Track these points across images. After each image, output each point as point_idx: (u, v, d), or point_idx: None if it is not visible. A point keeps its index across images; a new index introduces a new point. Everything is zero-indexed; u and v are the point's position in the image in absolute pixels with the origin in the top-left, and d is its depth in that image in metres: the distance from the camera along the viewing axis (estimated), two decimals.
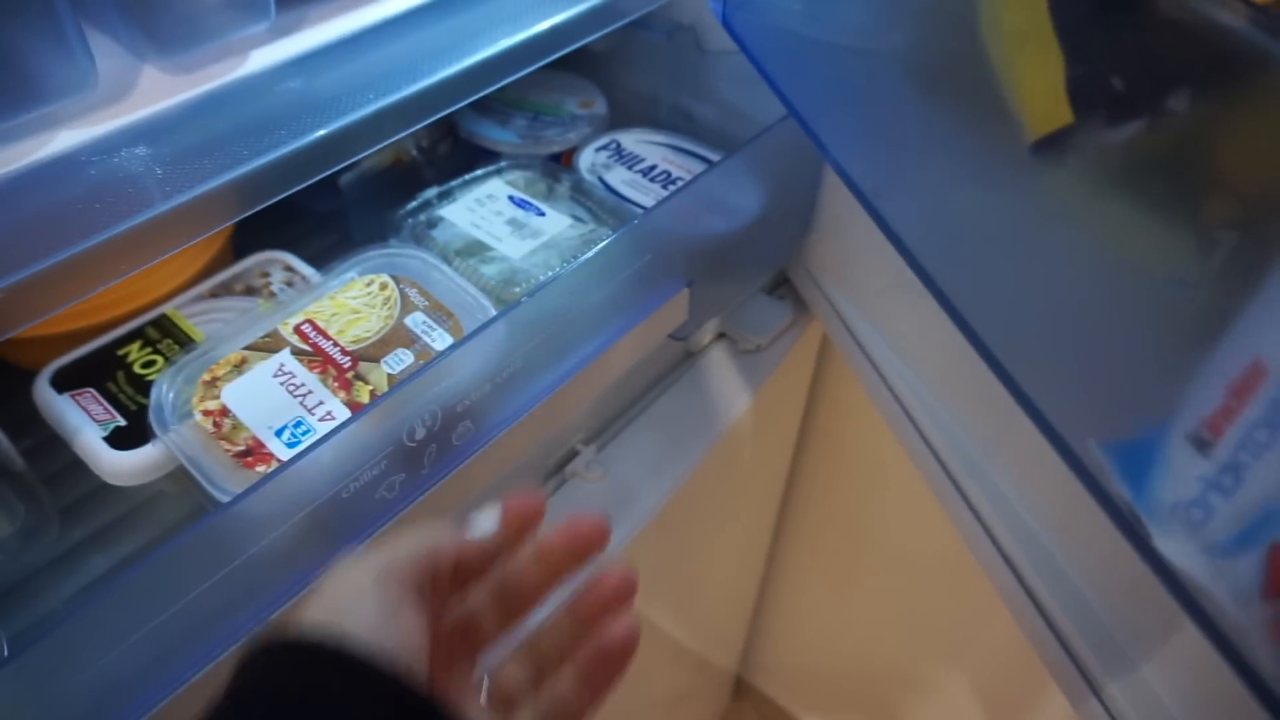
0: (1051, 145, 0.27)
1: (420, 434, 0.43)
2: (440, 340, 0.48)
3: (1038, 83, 0.27)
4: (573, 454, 0.65)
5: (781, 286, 0.78)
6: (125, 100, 0.43)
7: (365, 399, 0.45)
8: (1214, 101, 0.24)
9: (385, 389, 0.46)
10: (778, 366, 0.75)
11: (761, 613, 1.29)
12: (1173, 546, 0.24)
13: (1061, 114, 0.27)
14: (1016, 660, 0.90)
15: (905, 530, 0.97)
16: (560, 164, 0.67)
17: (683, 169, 0.66)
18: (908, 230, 0.33)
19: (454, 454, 0.46)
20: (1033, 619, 0.55)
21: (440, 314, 0.50)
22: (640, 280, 0.54)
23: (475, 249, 0.56)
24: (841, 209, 0.67)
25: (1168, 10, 0.23)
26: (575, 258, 0.53)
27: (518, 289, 0.54)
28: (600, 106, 0.71)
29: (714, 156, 0.67)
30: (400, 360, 0.47)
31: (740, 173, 0.60)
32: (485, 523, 0.32)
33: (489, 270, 0.55)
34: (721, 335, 0.75)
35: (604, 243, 0.48)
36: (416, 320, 0.49)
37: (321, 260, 0.58)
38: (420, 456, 0.44)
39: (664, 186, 0.64)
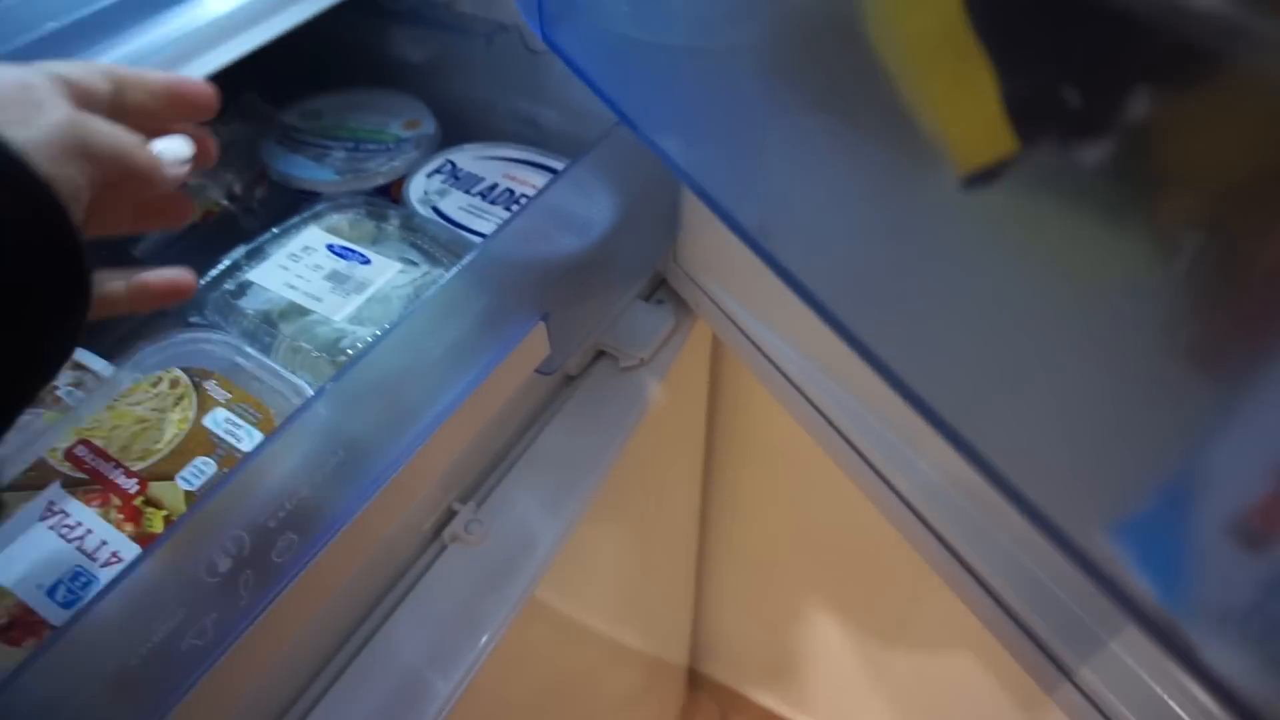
0: (991, 177, 0.21)
1: (224, 565, 0.36)
2: (249, 440, 0.41)
3: (962, 103, 0.21)
4: (450, 515, 0.59)
5: (659, 289, 0.73)
6: None
7: (159, 527, 0.38)
8: (1174, 95, 0.18)
9: (181, 511, 0.38)
10: (666, 376, 0.69)
11: (703, 603, 1.28)
12: (1229, 660, 0.19)
13: (1002, 141, 0.20)
14: (954, 618, 0.89)
15: (824, 504, 0.95)
16: (389, 197, 0.60)
17: (527, 184, 0.60)
18: (812, 278, 0.27)
19: (279, 573, 0.39)
20: (979, 597, 0.52)
21: (247, 408, 0.42)
22: (486, 322, 0.48)
23: (293, 314, 0.49)
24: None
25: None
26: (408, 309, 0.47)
27: (343, 358, 0.47)
28: (428, 125, 0.63)
29: (559, 165, 0.61)
30: (200, 473, 0.40)
31: (588, 181, 0.54)
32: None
33: (313, 339, 0.47)
34: (601, 353, 0.69)
35: (433, 289, 0.41)
36: (218, 420, 0.42)
37: (120, 351, 0.50)
38: (233, 589, 0.37)
39: (507, 208, 0.57)
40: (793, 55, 0.31)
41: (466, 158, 0.62)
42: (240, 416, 0.42)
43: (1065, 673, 0.45)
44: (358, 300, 0.49)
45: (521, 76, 0.63)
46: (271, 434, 0.39)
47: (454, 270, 0.44)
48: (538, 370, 0.56)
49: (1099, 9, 0.17)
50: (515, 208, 0.57)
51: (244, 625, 0.38)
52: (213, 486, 0.38)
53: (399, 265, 0.51)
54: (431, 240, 0.54)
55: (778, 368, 0.63)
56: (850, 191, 0.27)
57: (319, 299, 0.49)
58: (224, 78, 0.48)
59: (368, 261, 0.52)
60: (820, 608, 1.11)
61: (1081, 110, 0.18)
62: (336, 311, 0.49)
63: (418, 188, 0.58)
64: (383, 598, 0.55)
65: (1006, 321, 0.24)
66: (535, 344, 0.53)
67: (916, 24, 0.21)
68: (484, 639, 0.54)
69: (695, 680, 1.44)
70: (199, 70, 0.47)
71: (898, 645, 1.04)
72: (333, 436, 0.40)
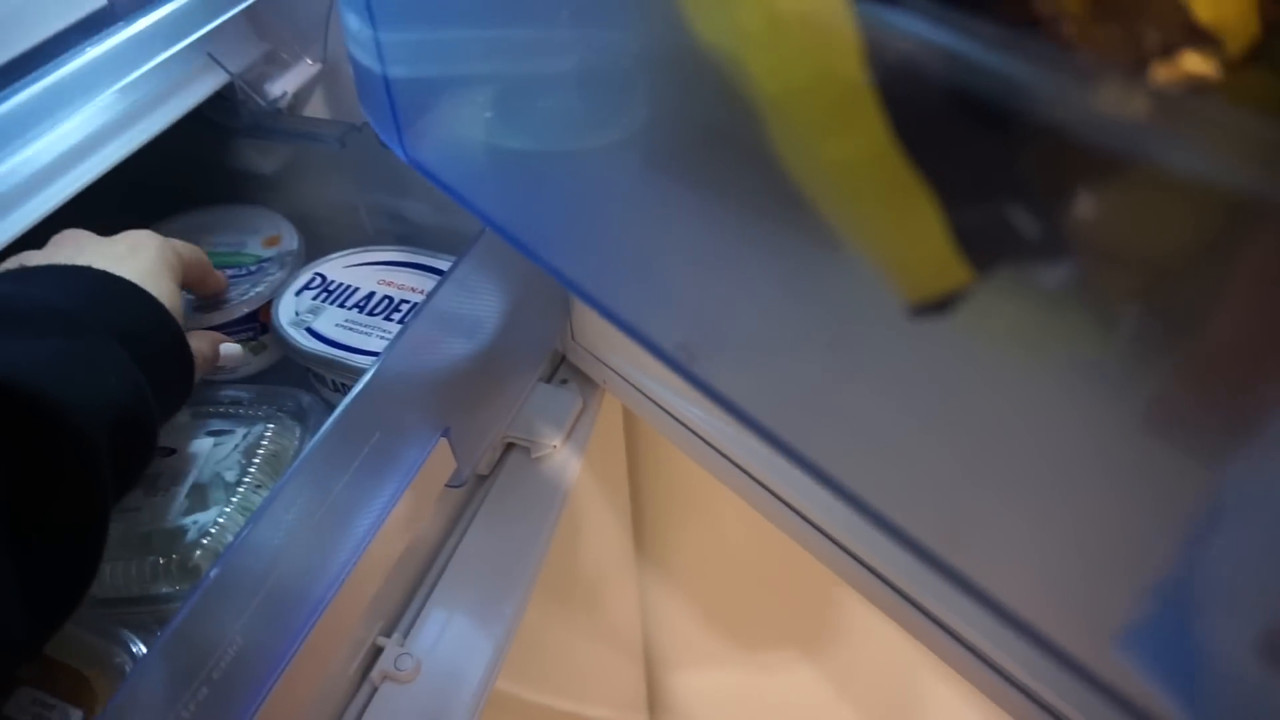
0: (943, 307, 0.19)
1: None
2: None
3: (903, 234, 0.19)
4: (377, 651, 0.54)
5: (560, 368, 0.70)
6: None
7: None
8: (1102, 191, 0.17)
9: None
10: (584, 454, 0.67)
11: (654, 663, 1.25)
12: None
13: (953, 273, 0.18)
14: (889, 641, 0.90)
15: (760, 550, 0.95)
16: (258, 323, 0.56)
17: (406, 288, 0.56)
18: (751, 401, 0.25)
19: None
20: (936, 637, 0.51)
21: (59, 680, 0.36)
22: (379, 456, 0.44)
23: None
24: None
25: (1041, 114, 0.15)
26: (256, 480, 0.43)
27: (198, 551, 0.42)
28: (290, 239, 0.59)
29: (436, 262, 0.58)
30: None
31: (472, 279, 0.51)
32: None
33: (142, 556, 0.43)
34: (510, 445, 0.66)
35: (299, 460, 0.37)
36: (22, 704, 0.35)
37: None
38: None
39: (387, 318, 0.54)
40: (684, 151, 0.29)
41: (336, 267, 0.58)
42: (52, 693, 0.36)
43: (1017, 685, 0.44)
44: (180, 491, 0.45)
45: (381, 173, 0.60)
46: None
47: (341, 405, 0.41)
48: (447, 485, 0.52)
49: (1031, 126, 0.16)
50: (395, 316, 0.54)
51: None
52: None
53: (209, 440, 0.47)
54: (311, 362, 0.50)
55: (693, 431, 0.62)
56: (775, 294, 0.26)
57: (136, 509, 0.45)
58: (62, 217, 0.44)
59: (172, 452, 0.47)
60: (765, 639, 1.11)
61: (1038, 233, 0.17)
62: (162, 513, 0.44)
63: (287, 309, 0.54)
64: None
65: (964, 423, 0.22)
66: (440, 461, 0.50)
67: (839, 152, 0.19)
68: None
69: None
70: (36, 211, 0.43)
71: (844, 658, 1.04)
72: (230, 620, 0.36)
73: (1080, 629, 0.20)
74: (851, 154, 0.19)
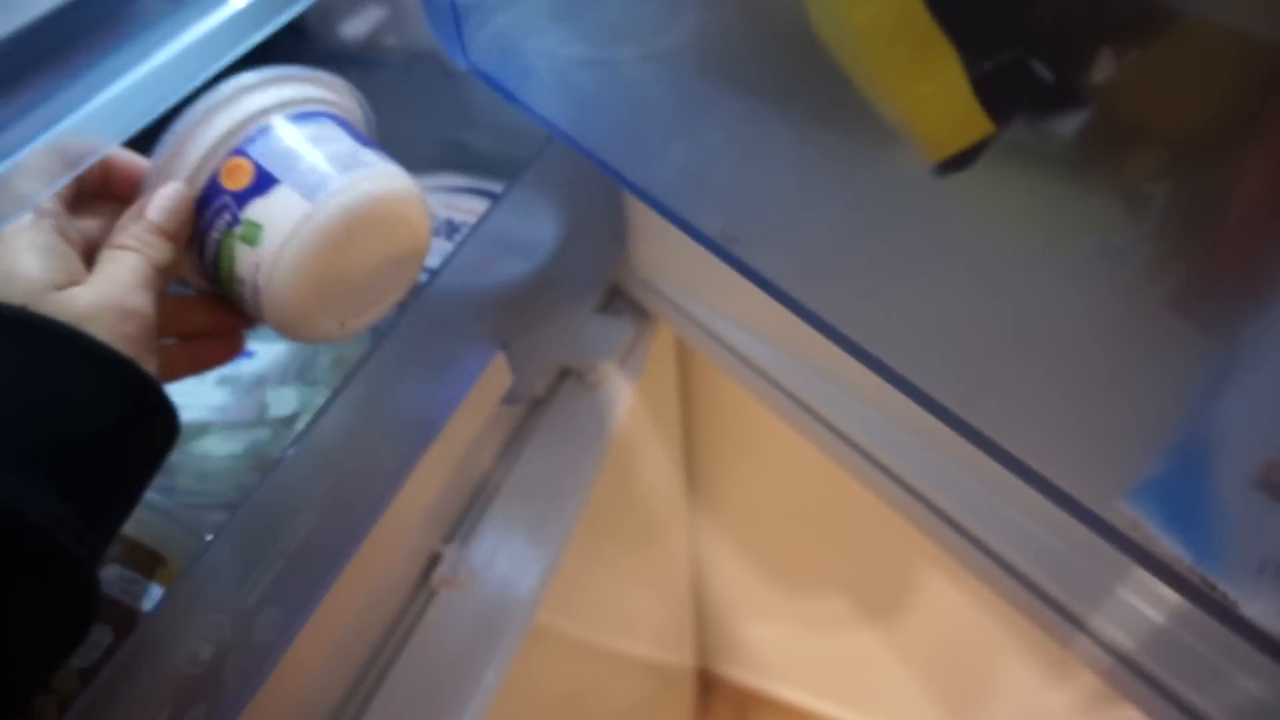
0: (966, 161, 0.20)
1: (206, 653, 0.34)
2: (149, 597, 0.38)
3: (927, 90, 0.20)
4: (435, 559, 0.57)
5: (615, 300, 0.72)
6: None
7: (54, 718, 0.34)
8: (1134, 54, 0.17)
9: (77, 693, 0.35)
10: (636, 385, 0.68)
11: (706, 602, 1.27)
12: (1268, 610, 0.18)
13: (975, 125, 0.19)
14: (962, 580, 0.90)
15: (813, 486, 0.95)
16: None
17: (466, 211, 0.58)
18: (786, 278, 0.26)
19: (265, 652, 0.38)
20: (984, 564, 0.51)
21: (141, 560, 0.39)
22: (441, 363, 0.46)
23: (193, 434, 0.47)
24: None
25: None
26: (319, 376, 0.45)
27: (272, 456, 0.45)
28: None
29: (497, 187, 0.59)
30: (96, 644, 0.36)
31: (528, 201, 0.52)
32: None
33: (219, 451, 0.46)
34: (566, 371, 0.68)
35: (373, 348, 0.40)
36: (111, 578, 0.38)
37: None
38: (218, 675, 0.35)
39: (448, 238, 0.56)
40: (729, 54, 0.30)
41: None
42: (137, 570, 0.39)
43: (1078, 624, 0.45)
44: (262, 393, 0.48)
45: (445, 102, 0.62)
46: (236, 509, 0.37)
47: (405, 310, 0.43)
48: (504, 400, 0.54)
49: None
50: (456, 237, 0.56)
51: (235, 710, 0.37)
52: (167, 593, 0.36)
53: (282, 344, 0.50)
54: None
55: (747, 361, 0.63)
56: (810, 184, 0.27)
57: (222, 407, 0.47)
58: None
59: (252, 354, 0.50)
60: (825, 590, 1.11)
61: (1054, 83, 0.18)
62: (242, 418, 0.47)
63: None
64: (379, 653, 0.53)
65: (990, 296, 0.23)
66: (497, 375, 0.52)
67: (867, 13, 0.20)
68: (488, 678, 0.53)
69: (708, 681, 1.43)
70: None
71: (910, 614, 1.04)
72: (301, 503, 0.39)
73: (1092, 483, 0.21)
74: (878, 15, 0.20)
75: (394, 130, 0.66)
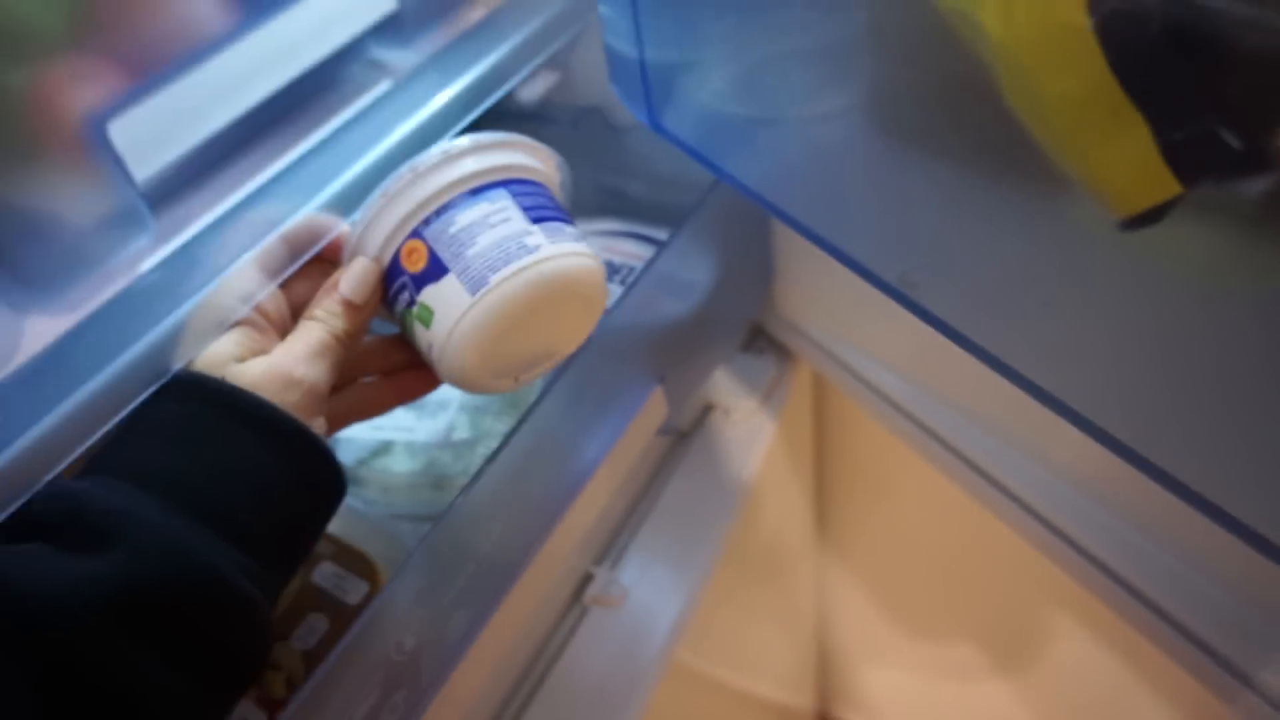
0: (1154, 218, 0.22)
1: (410, 643, 0.39)
2: (356, 592, 0.43)
3: (1116, 154, 0.22)
4: (587, 578, 0.61)
5: (758, 340, 0.74)
6: (11, 366, 0.38)
7: (281, 691, 0.39)
8: None
9: (300, 671, 0.40)
10: (777, 423, 0.71)
11: (828, 644, 1.26)
12: None
13: (1163, 186, 0.22)
14: (1101, 631, 0.87)
15: (943, 532, 0.94)
16: None
17: (626, 254, 0.63)
18: (965, 323, 0.28)
19: (454, 647, 0.42)
20: (1148, 620, 0.51)
21: (349, 559, 0.44)
22: (607, 395, 0.50)
23: (380, 452, 0.52)
24: (801, 248, 0.63)
25: (1250, 43, 0.18)
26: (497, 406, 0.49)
27: (448, 475, 0.50)
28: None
29: (652, 232, 0.63)
30: (312, 630, 0.41)
31: (690, 245, 0.56)
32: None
33: (402, 468, 0.50)
34: (709, 406, 0.71)
35: (554, 380, 0.44)
36: (325, 574, 0.43)
37: None
38: (416, 665, 0.39)
39: (609, 279, 0.60)
40: (905, 113, 0.33)
41: None
42: (346, 568, 0.44)
43: (1244, 679, 0.44)
44: (445, 417, 0.52)
45: (607, 153, 0.67)
46: (453, 501, 0.41)
47: (571, 359, 0.47)
48: (658, 432, 0.58)
49: (1241, 55, 0.18)
50: (617, 278, 0.60)
51: (428, 700, 0.41)
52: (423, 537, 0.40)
53: None
54: None
55: (889, 400, 0.64)
56: (988, 233, 0.29)
57: (408, 429, 0.52)
58: None
59: None
60: (950, 638, 1.09)
61: (1243, 149, 0.20)
62: (425, 433, 0.52)
63: None
64: (535, 661, 0.57)
65: (1170, 339, 0.25)
66: (655, 407, 0.55)
67: (1062, 86, 0.22)
68: (635, 700, 0.55)
69: None
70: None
71: (1039, 666, 1.01)
72: (490, 517, 0.43)
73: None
74: (1073, 88, 0.22)
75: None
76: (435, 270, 0.36)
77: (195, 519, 0.30)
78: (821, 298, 0.65)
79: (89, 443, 0.32)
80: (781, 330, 0.70)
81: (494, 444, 0.52)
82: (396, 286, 0.38)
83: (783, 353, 0.73)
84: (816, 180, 0.35)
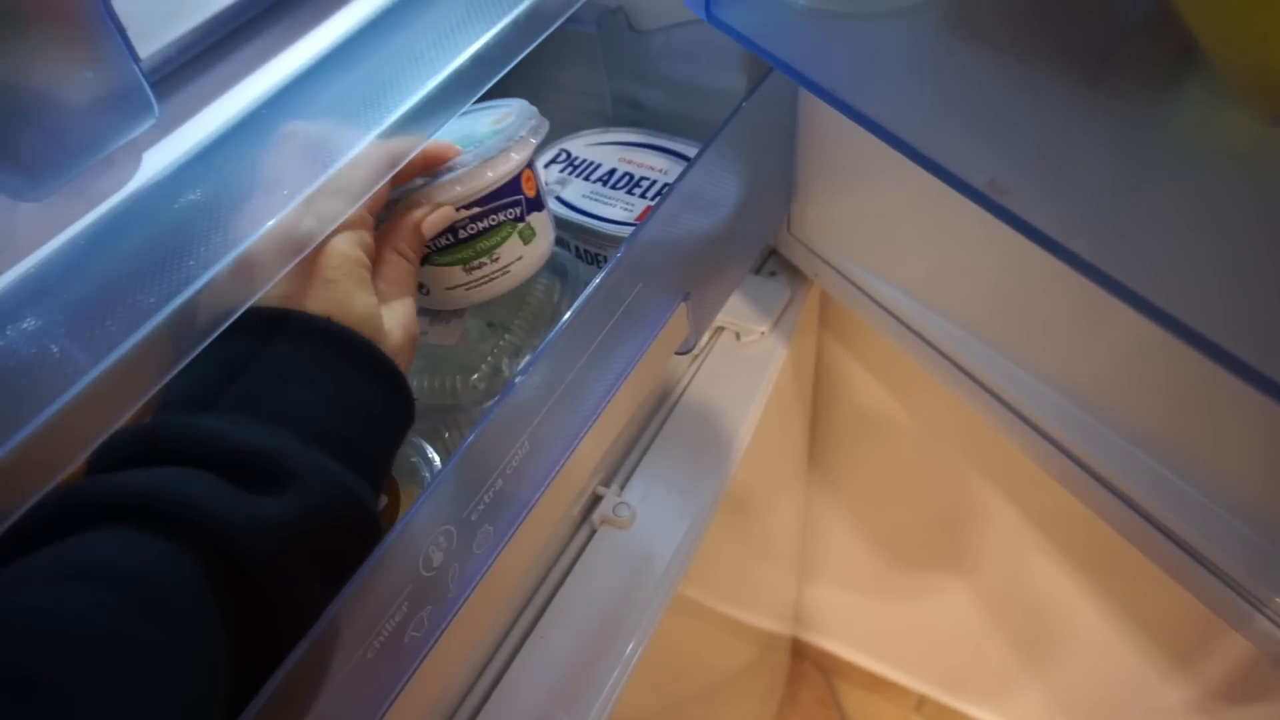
0: None
1: (438, 559, 0.37)
2: None
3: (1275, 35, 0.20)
4: (595, 499, 0.60)
5: (769, 261, 0.73)
6: (3, 255, 0.36)
7: None
8: None
9: None
10: (788, 347, 0.69)
11: (807, 571, 1.28)
12: None
13: None
14: (1075, 563, 0.89)
15: (925, 464, 0.95)
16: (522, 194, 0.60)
17: (645, 167, 0.60)
18: (1051, 225, 0.26)
19: (479, 564, 0.40)
20: (1158, 543, 0.51)
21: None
22: (635, 310, 0.48)
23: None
24: (826, 168, 0.61)
25: None
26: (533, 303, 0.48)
27: (475, 375, 0.48)
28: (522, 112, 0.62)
29: (673, 145, 0.61)
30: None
31: (719, 159, 0.54)
32: None
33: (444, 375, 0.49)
34: (720, 329, 0.69)
35: (591, 287, 0.42)
36: None
37: None
38: (443, 581, 0.38)
39: (629, 192, 0.58)
40: (980, 12, 0.30)
41: (580, 145, 0.62)
42: None
43: (1256, 604, 0.44)
44: (461, 325, 0.51)
45: (626, 59, 0.63)
46: (477, 427, 0.39)
47: (612, 260, 0.45)
48: (677, 351, 0.56)
49: None
50: (637, 191, 0.58)
51: (450, 616, 0.40)
52: (434, 480, 0.39)
53: None
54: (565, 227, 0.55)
55: (908, 326, 0.63)
56: (1078, 140, 0.27)
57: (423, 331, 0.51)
58: None
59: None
60: (927, 563, 1.11)
61: None
62: (448, 338, 0.50)
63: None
64: (543, 580, 0.56)
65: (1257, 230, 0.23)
66: (677, 327, 0.53)
67: None
68: (645, 619, 0.55)
69: (800, 649, 1.44)
70: None
71: (1012, 596, 1.04)
72: (517, 433, 0.41)
73: None
74: None
75: (576, 85, 0.68)
76: (540, 202, 0.49)
77: (330, 453, 0.33)
78: (839, 219, 0.63)
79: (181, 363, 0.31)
80: (795, 252, 0.69)
81: (519, 359, 0.51)
82: (502, 204, 0.46)
83: (795, 276, 0.71)
84: (892, 82, 0.33)
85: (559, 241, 0.58)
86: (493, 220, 0.46)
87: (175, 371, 0.31)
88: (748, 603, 1.00)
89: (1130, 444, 0.50)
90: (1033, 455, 0.57)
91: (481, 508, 0.39)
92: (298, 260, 0.35)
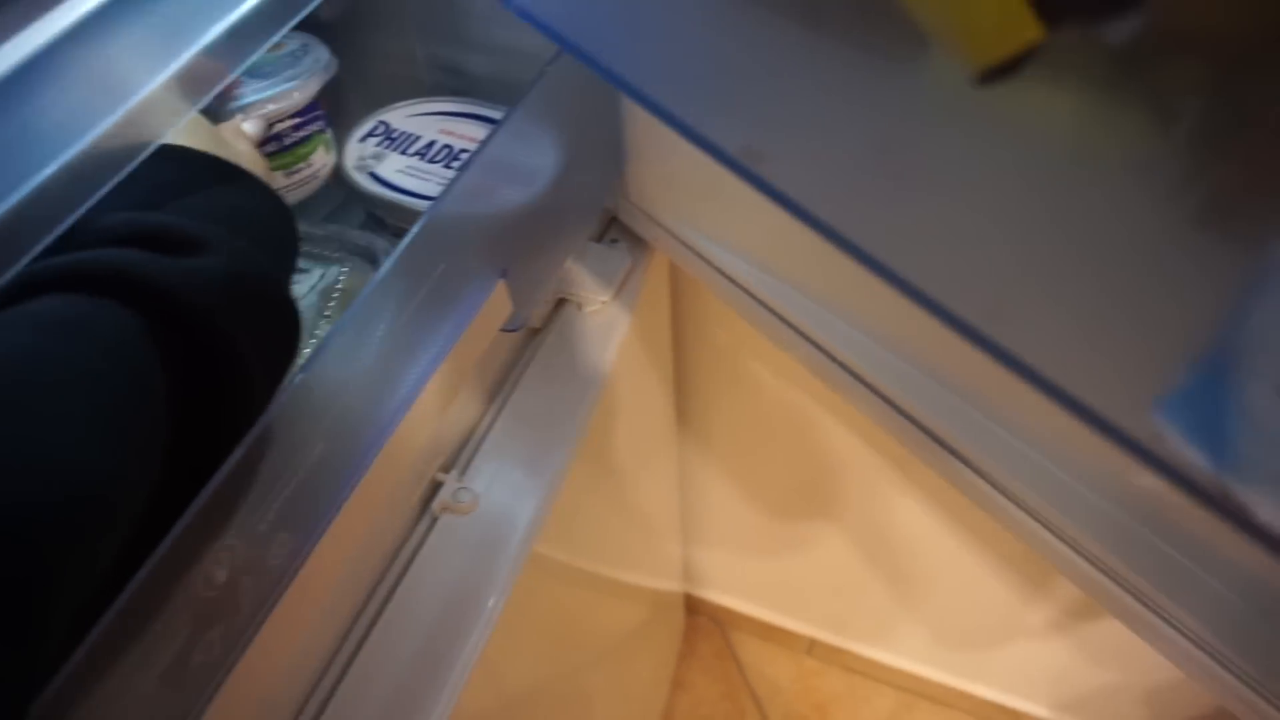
0: (1010, 70, 0.20)
1: (221, 576, 0.35)
2: None
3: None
4: (436, 486, 0.58)
5: (611, 228, 0.71)
6: None
7: None
8: None
9: None
10: (633, 314, 0.68)
11: (691, 529, 1.30)
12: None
13: (1024, 31, 0.19)
14: (939, 502, 0.93)
15: (795, 417, 0.97)
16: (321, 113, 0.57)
17: (466, 138, 0.57)
18: (809, 197, 0.26)
19: (277, 575, 0.38)
20: (985, 491, 0.52)
21: None
22: (442, 291, 0.46)
23: None
24: (653, 131, 0.60)
25: None
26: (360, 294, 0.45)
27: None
28: (304, 45, 0.58)
29: (496, 114, 0.58)
30: None
31: (528, 127, 0.51)
32: None
33: None
34: (562, 300, 0.68)
35: (380, 273, 0.39)
36: None
37: None
38: (233, 598, 0.36)
39: (447, 165, 0.55)
40: None
41: (398, 116, 0.59)
42: None
43: (1065, 539, 0.46)
44: None
45: (444, 21, 0.60)
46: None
47: (404, 241, 0.42)
48: (503, 329, 0.54)
49: None
50: (456, 164, 0.55)
51: (251, 631, 0.37)
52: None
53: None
54: (375, 204, 0.52)
55: (743, 287, 0.63)
56: (834, 100, 0.26)
57: None
58: None
59: None
60: (803, 514, 1.14)
61: None
62: None
63: (352, 154, 0.56)
64: (381, 578, 0.54)
65: (1018, 211, 0.23)
66: (498, 303, 0.51)
67: None
68: (490, 602, 0.54)
69: (693, 605, 1.47)
70: None
71: (882, 538, 1.07)
72: (309, 430, 0.39)
73: (1115, 398, 0.21)
74: None
75: (389, 51, 0.64)
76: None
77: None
78: (674, 184, 0.62)
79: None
80: (635, 219, 0.67)
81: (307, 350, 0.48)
82: (314, 115, 0.56)
83: (637, 243, 0.70)
84: (652, 40, 0.32)
85: (376, 223, 0.56)
86: (308, 130, 0.54)
87: None
88: (628, 564, 1.00)
89: (949, 392, 0.51)
90: (868, 411, 0.58)
91: (272, 515, 0.37)
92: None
